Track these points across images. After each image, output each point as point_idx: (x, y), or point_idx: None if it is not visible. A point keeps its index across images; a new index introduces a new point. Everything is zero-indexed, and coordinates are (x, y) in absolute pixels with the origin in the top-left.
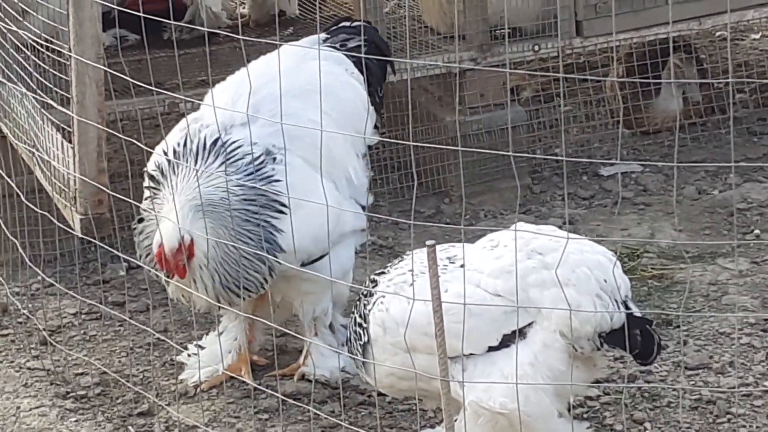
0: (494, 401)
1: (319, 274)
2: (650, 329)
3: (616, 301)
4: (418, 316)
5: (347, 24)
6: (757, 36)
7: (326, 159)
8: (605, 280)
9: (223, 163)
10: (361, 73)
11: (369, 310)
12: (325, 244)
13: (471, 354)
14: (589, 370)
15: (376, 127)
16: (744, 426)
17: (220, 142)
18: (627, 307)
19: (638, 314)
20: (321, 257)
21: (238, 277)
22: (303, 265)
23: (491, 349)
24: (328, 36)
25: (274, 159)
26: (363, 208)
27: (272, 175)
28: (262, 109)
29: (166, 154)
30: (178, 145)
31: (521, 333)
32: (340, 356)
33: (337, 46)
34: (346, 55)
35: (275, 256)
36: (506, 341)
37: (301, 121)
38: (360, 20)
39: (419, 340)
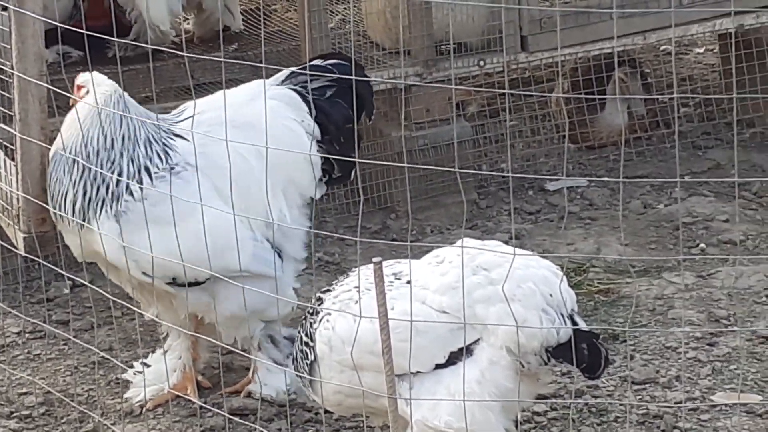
0: (440, 420)
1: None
2: (597, 343)
3: (563, 315)
4: (365, 333)
5: (322, 62)
6: (701, 50)
7: (240, 192)
8: (551, 295)
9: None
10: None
11: (315, 329)
12: (197, 272)
13: (418, 372)
14: (533, 384)
15: (332, 179)
16: None
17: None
18: (573, 321)
19: (585, 328)
20: (202, 282)
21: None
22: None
23: (438, 366)
24: (295, 72)
25: (178, 171)
26: (295, 260)
27: (164, 176)
28: (199, 128)
29: None
30: None
31: (468, 350)
32: (286, 374)
33: (298, 87)
34: (307, 99)
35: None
36: (453, 358)
37: (228, 149)
38: (339, 59)
39: (366, 358)
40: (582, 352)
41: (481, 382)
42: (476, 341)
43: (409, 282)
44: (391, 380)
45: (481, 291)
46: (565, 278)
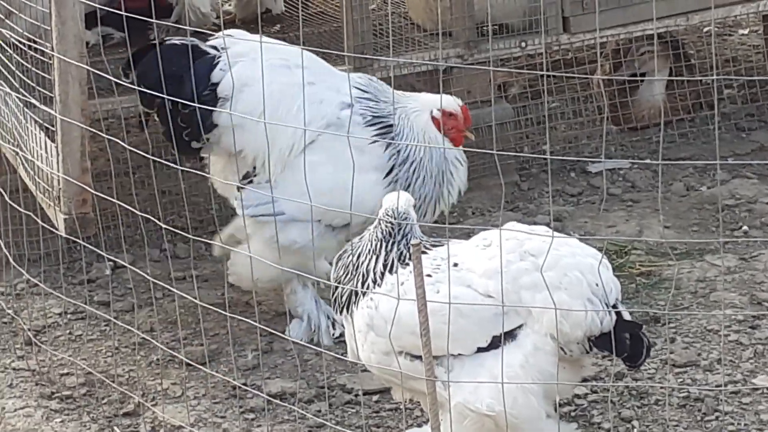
0: (481, 403)
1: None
2: (640, 333)
3: (607, 304)
4: (407, 315)
5: None
6: (745, 31)
7: None
8: (597, 284)
9: None
10: None
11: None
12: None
13: (459, 354)
14: (576, 370)
15: None
16: (732, 423)
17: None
18: (617, 311)
19: (628, 318)
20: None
21: None
22: None
23: (480, 350)
24: None
25: None
26: None
27: None
28: None
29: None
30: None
31: (511, 335)
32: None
33: None
34: None
35: None
36: (496, 343)
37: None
38: None
39: (407, 339)
40: (624, 342)
41: (524, 366)
42: (519, 326)
43: (456, 264)
44: (430, 362)
45: (528, 277)
46: (609, 267)
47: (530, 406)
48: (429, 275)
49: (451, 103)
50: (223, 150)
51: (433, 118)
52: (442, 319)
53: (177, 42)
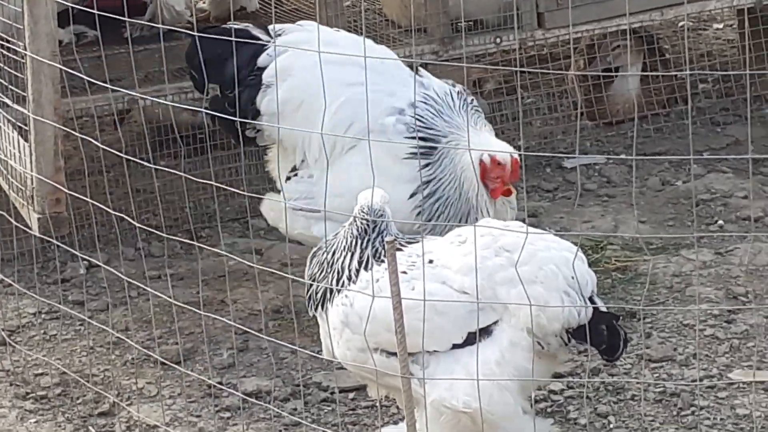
0: (457, 400)
1: None
2: (616, 325)
3: (583, 296)
4: (382, 312)
5: None
6: (720, 26)
7: None
8: (572, 277)
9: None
10: None
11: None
12: None
13: (435, 351)
14: (551, 364)
15: None
16: (708, 418)
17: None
18: (593, 303)
19: (604, 310)
20: None
21: None
22: None
23: (455, 346)
24: None
25: None
26: None
27: None
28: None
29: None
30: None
31: (486, 331)
32: None
33: None
34: None
35: None
36: (471, 339)
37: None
38: None
39: (383, 336)
40: (601, 334)
41: (500, 363)
42: (495, 322)
43: (431, 261)
44: (405, 359)
45: (503, 273)
46: (585, 259)
47: (506, 402)
48: (404, 272)
49: (506, 154)
50: (271, 140)
51: (481, 162)
52: (417, 315)
53: (228, 26)
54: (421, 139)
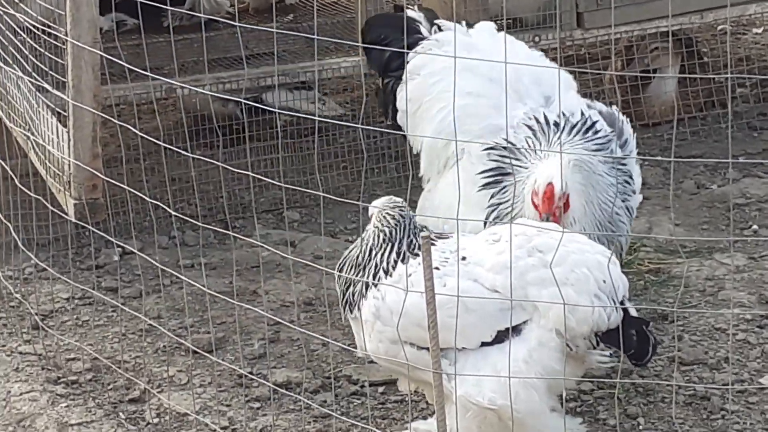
0: (483, 396)
1: None
2: (646, 330)
3: (614, 300)
4: (413, 307)
5: None
6: (759, 30)
7: None
8: (604, 281)
9: (582, 137)
10: None
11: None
12: None
13: (463, 348)
14: (580, 365)
15: None
16: (737, 422)
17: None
18: (624, 307)
19: (635, 314)
20: None
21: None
22: None
23: (484, 344)
24: None
25: (618, 139)
26: None
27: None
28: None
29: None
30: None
31: (516, 330)
32: None
33: None
34: None
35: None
36: (500, 337)
37: None
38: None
39: (413, 331)
40: (630, 339)
41: (528, 361)
42: (524, 322)
43: (464, 258)
44: (437, 355)
45: (535, 273)
46: (618, 263)
47: (532, 400)
48: (437, 268)
49: (541, 181)
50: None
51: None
52: (448, 312)
53: (404, 14)
54: (495, 168)
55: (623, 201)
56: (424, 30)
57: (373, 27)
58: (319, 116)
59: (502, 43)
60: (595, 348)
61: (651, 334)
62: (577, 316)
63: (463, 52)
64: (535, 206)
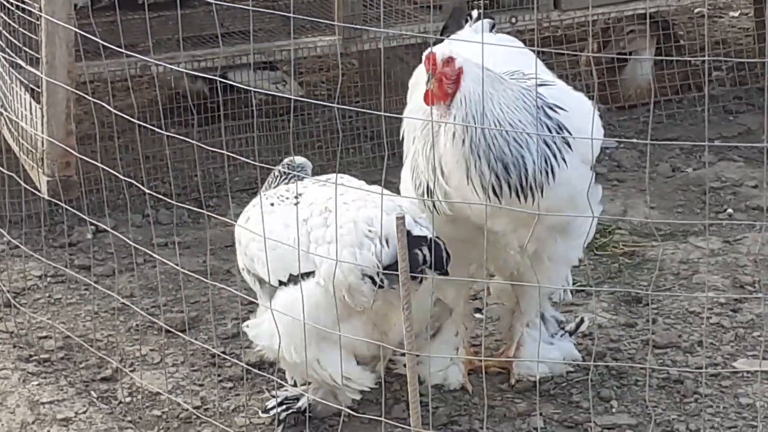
0: (251, 332)
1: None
2: (429, 243)
3: (386, 241)
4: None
5: None
6: (736, 14)
7: None
8: (370, 230)
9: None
10: None
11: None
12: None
13: (266, 282)
14: (383, 326)
15: None
16: (711, 406)
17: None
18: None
19: (418, 233)
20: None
21: (518, 158)
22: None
23: (281, 284)
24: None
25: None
26: None
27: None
28: None
29: None
30: None
31: (304, 277)
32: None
33: None
34: None
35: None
36: (293, 281)
37: None
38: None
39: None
40: (416, 257)
41: (288, 307)
42: (312, 273)
43: (296, 197)
44: (411, 336)
45: (317, 232)
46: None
47: (298, 348)
48: (272, 204)
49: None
50: None
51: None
52: (258, 246)
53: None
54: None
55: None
56: (467, 26)
57: (450, 19)
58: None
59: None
60: (383, 287)
61: (436, 243)
62: (343, 267)
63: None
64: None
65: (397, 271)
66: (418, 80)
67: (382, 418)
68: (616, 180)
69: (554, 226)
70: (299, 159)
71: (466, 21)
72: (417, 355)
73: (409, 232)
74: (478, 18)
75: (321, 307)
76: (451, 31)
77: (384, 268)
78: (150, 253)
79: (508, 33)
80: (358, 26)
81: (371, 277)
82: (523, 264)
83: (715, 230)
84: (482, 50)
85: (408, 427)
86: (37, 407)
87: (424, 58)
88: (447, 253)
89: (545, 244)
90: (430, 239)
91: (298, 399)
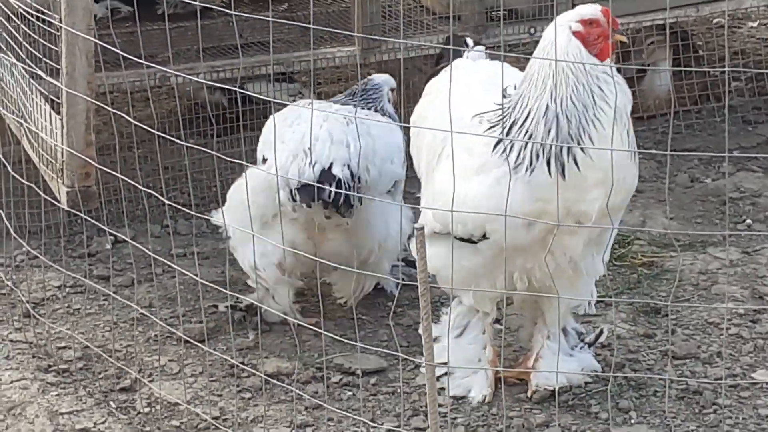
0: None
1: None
2: (339, 181)
3: (313, 165)
4: None
5: None
6: (755, 24)
7: None
8: (310, 148)
9: None
10: None
11: None
12: None
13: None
14: (315, 238)
15: None
16: (730, 417)
17: None
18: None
19: (337, 174)
20: None
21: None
22: None
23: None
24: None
25: None
26: None
27: None
28: None
29: None
30: None
31: (264, 162)
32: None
33: None
34: None
35: None
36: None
37: None
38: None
39: None
40: (323, 191)
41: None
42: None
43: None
44: (429, 343)
45: (285, 130)
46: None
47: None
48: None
49: (591, 9)
50: None
51: (576, 33)
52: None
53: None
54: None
55: None
56: (465, 55)
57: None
58: None
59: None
60: (294, 201)
61: (347, 182)
62: (280, 165)
63: (464, 73)
64: (596, 41)
65: (310, 195)
66: (431, 90)
67: (401, 430)
68: (635, 191)
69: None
70: (380, 77)
71: (464, 49)
72: (444, 364)
73: (330, 170)
74: (474, 45)
75: (260, 194)
76: (447, 60)
77: (300, 187)
78: (169, 263)
79: (525, 44)
80: (377, 37)
81: (290, 187)
82: (564, 273)
83: (734, 241)
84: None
85: None
86: (56, 417)
87: (598, 15)
88: (350, 201)
89: (584, 254)
90: (339, 180)
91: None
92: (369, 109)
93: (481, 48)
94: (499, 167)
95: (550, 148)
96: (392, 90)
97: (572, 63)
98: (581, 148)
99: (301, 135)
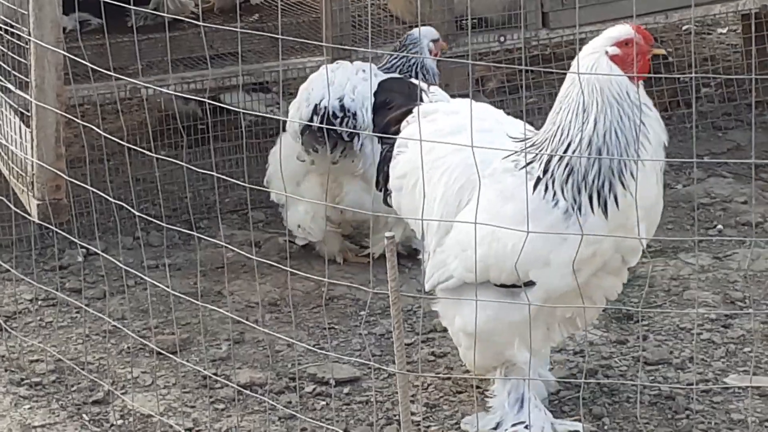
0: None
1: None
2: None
3: (314, 106)
4: None
5: None
6: (724, 30)
7: None
8: (309, 94)
9: None
10: None
11: None
12: None
13: None
14: (333, 191)
15: None
16: (702, 422)
17: None
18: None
19: (337, 128)
20: None
21: None
22: None
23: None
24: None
25: None
26: None
27: None
28: None
29: None
30: None
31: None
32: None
33: None
34: None
35: None
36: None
37: None
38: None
39: None
40: (314, 133)
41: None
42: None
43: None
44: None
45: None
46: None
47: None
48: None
49: (621, 29)
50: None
51: (612, 57)
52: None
53: (407, 80)
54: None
55: None
56: (426, 98)
57: (382, 90)
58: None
59: (478, 106)
60: (302, 146)
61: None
62: (290, 115)
63: (449, 118)
64: (631, 61)
65: (314, 137)
66: (412, 143)
67: None
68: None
69: None
70: (420, 30)
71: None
72: (408, 373)
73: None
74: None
75: (289, 155)
76: (395, 104)
77: (303, 131)
78: (141, 275)
79: (495, 53)
80: (347, 47)
81: (297, 133)
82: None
83: (705, 246)
84: None
85: None
86: (29, 431)
87: (632, 34)
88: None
89: None
90: (326, 109)
91: None
92: (408, 69)
93: (435, 88)
94: (550, 214)
95: (593, 182)
96: (434, 41)
97: (617, 91)
98: (622, 184)
99: (313, 82)
